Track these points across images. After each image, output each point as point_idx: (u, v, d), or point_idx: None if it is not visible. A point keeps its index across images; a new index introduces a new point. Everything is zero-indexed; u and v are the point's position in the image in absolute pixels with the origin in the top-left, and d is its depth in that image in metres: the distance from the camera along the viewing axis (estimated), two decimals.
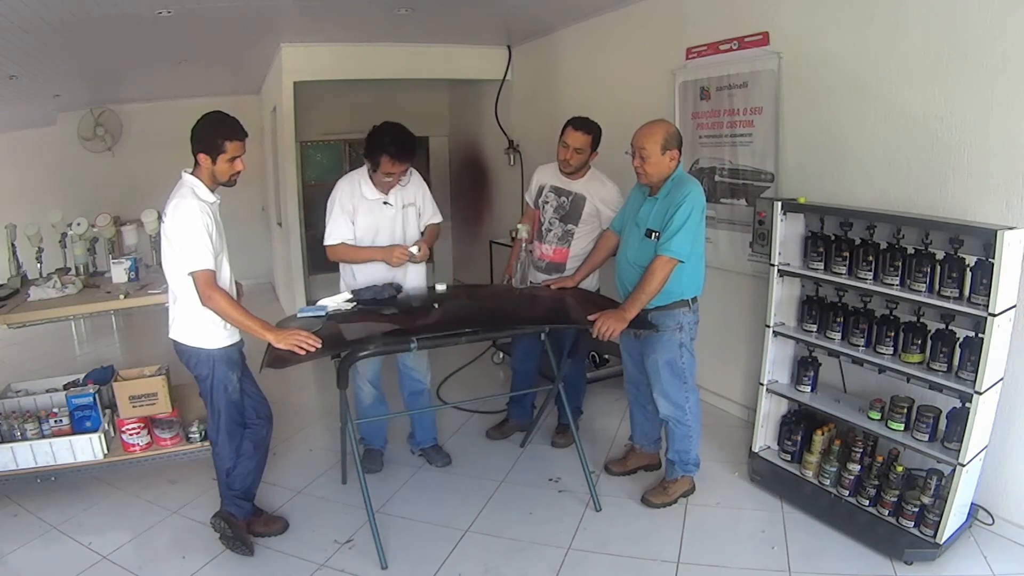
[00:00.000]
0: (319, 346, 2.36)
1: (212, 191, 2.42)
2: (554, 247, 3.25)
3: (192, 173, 2.40)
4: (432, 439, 3.37)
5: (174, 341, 2.50)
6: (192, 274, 2.32)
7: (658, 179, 2.67)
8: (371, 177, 2.96)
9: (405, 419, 3.41)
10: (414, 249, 2.94)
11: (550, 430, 3.54)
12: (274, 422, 2.72)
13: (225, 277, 2.46)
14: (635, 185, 2.86)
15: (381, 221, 3.00)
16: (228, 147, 2.34)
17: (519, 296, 3.23)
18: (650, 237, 2.66)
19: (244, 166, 2.42)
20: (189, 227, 2.30)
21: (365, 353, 2.52)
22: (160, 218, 3.64)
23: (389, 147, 2.81)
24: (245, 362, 2.62)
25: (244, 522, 2.65)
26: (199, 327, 2.44)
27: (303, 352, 2.35)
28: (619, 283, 2.85)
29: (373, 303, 2.89)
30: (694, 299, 2.74)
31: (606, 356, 4.31)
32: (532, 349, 3.41)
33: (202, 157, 2.35)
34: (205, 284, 2.32)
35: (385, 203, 2.99)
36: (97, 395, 3.11)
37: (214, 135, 2.34)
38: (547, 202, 3.27)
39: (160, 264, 2.49)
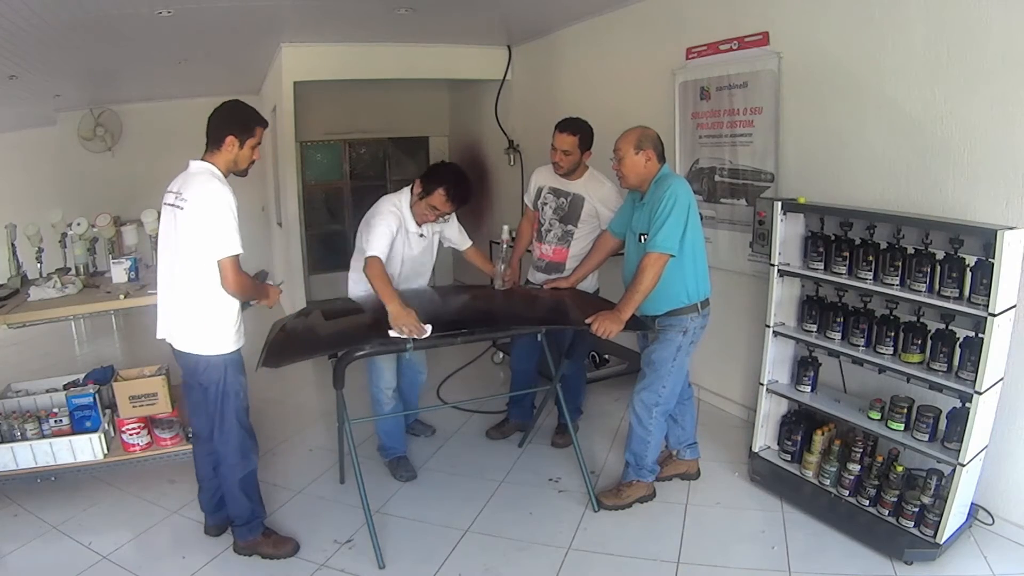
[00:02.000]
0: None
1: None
2: (554, 247, 3.25)
3: (206, 159, 2.31)
4: (415, 416, 3.67)
5: (182, 353, 2.38)
6: (222, 260, 2.23)
7: (635, 180, 2.70)
8: (412, 206, 2.97)
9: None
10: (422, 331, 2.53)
11: (550, 430, 3.54)
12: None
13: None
14: (627, 194, 2.88)
15: (406, 250, 3.03)
16: (257, 132, 2.35)
17: (518, 296, 3.23)
18: (642, 241, 2.68)
19: (260, 156, 2.42)
20: (225, 210, 2.22)
21: (361, 353, 2.52)
22: (160, 218, 3.64)
23: (449, 186, 2.84)
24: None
25: (256, 539, 2.56)
26: (209, 333, 2.34)
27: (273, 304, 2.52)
28: None
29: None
30: (704, 303, 2.73)
31: (606, 356, 4.31)
32: (531, 349, 3.40)
33: (231, 139, 2.28)
34: (234, 269, 2.26)
35: (420, 235, 3.04)
36: (97, 395, 3.11)
37: (248, 119, 2.33)
38: (546, 203, 3.27)
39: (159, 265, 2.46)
